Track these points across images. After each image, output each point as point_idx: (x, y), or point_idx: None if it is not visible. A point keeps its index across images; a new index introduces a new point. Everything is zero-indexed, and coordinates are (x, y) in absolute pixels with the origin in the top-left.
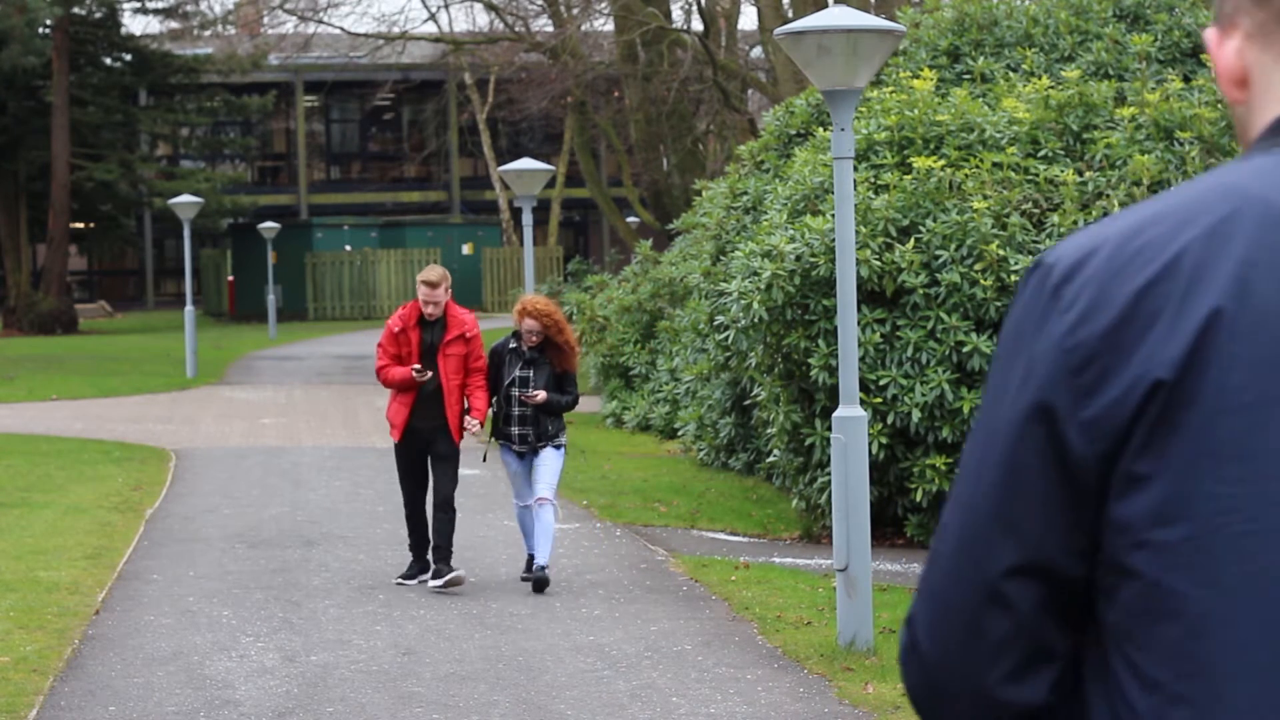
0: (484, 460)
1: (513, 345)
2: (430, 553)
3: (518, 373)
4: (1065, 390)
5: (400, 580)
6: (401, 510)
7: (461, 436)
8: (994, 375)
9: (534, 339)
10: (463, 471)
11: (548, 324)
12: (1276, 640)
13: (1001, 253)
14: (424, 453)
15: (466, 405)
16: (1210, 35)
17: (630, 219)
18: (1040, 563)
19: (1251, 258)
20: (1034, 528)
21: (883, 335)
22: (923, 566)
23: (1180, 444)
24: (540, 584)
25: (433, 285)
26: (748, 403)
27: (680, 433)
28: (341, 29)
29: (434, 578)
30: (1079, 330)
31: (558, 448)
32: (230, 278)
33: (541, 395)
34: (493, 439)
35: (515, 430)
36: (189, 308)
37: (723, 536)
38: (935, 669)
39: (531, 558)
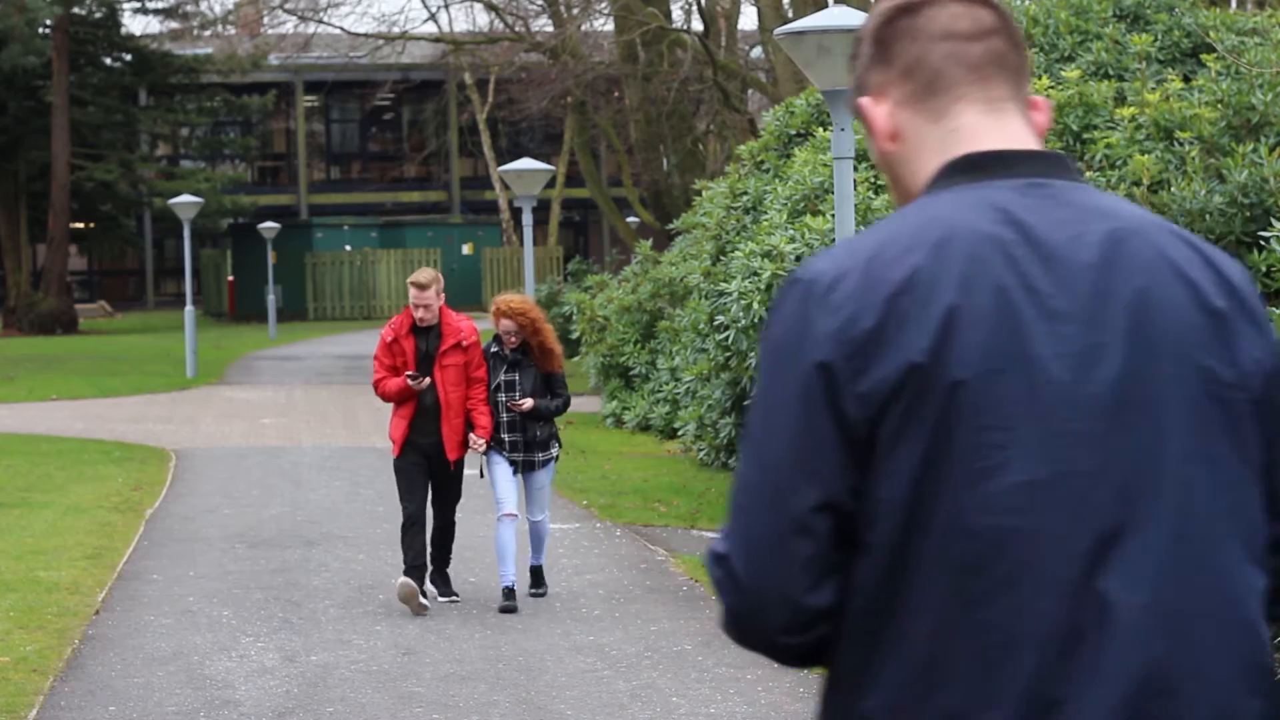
0: (481, 475)
1: (494, 349)
2: (430, 572)
3: (502, 377)
4: (842, 370)
5: (423, 599)
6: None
7: (462, 454)
8: (774, 364)
9: (514, 340)
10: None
11: (523, 324)
12: (1007, 568)
13: None
14: (425, 468)
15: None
16: (863, 102)
17: (630, 219)
18: (833, 500)
19: (969, 269)
20: (829, 474)
21: None
22: (728, 519)
23: (931, 407)
24: (539, 595)
25: (421, 287)
26: (748, 403)
27: (680, 433)
28: (341, 29)
29: (435, 588)
30: (849, 329)
31: (549, 462)
32: (230, 278)
33: (528, 403)
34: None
35: (506, 437)
36: (189, 308)
37: None
38: (753, 590)
39: (509, 590)
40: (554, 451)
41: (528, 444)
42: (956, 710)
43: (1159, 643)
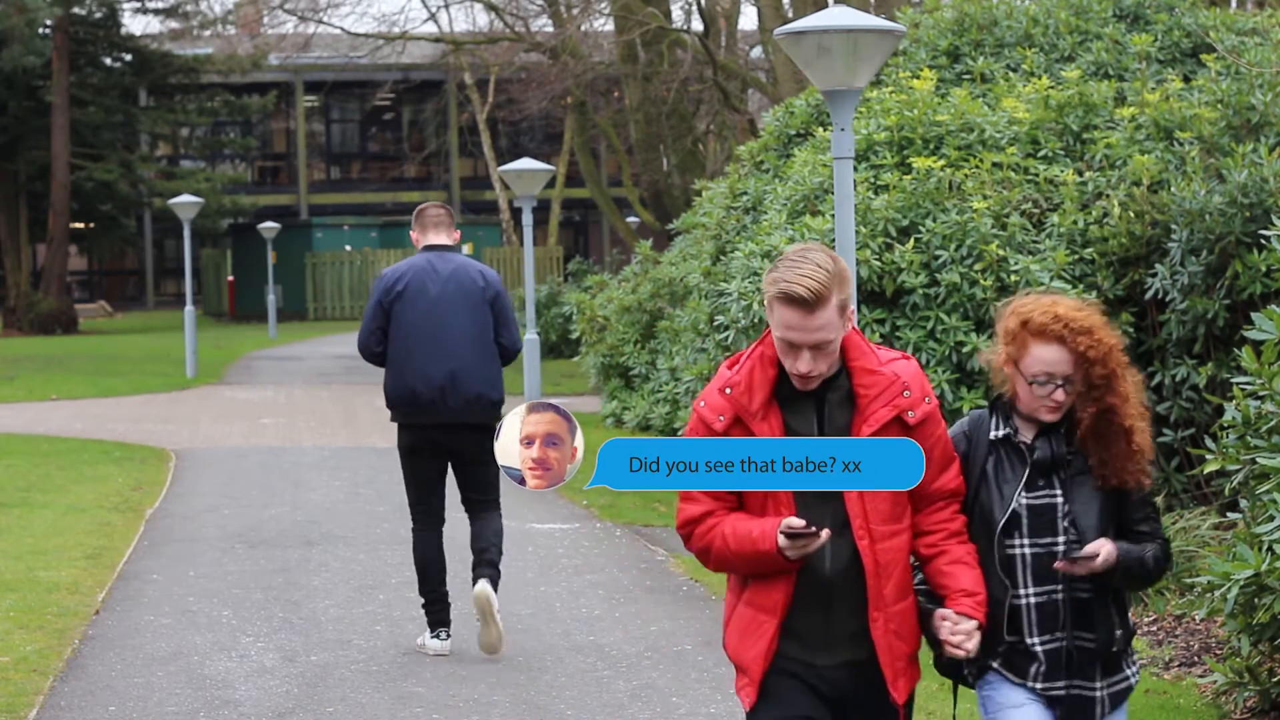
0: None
1: (999, 433)
2: None
3: (1023, 499)
4: (384, 299)
5: None
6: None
7: (913, 684)
8: (372, 295)
9: (1057, 398)
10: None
11: (1090, 353)
12: (406, 337)
13: (1001, 253)
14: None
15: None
16: (412, 233)
17: (630, 219)
18: (381, 326)
19: (415, 271)
20: (381, 320)
21: (882, 335)
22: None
23: (398, 303)
24: None
25: (808, 306)
26: None
27: (680, 432)
28: (341, 29)
29: None
30: (390, 287)
31: (1124, 699)
32: (230, 278)
33: (1104, 550)
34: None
35: (1037, 643)
36: (189, 308)
37: None
38: (363, 347)
39: None
40: (1130, 674)
41: (1089, 656)
42: (410, 385)
43: (457, 361)
